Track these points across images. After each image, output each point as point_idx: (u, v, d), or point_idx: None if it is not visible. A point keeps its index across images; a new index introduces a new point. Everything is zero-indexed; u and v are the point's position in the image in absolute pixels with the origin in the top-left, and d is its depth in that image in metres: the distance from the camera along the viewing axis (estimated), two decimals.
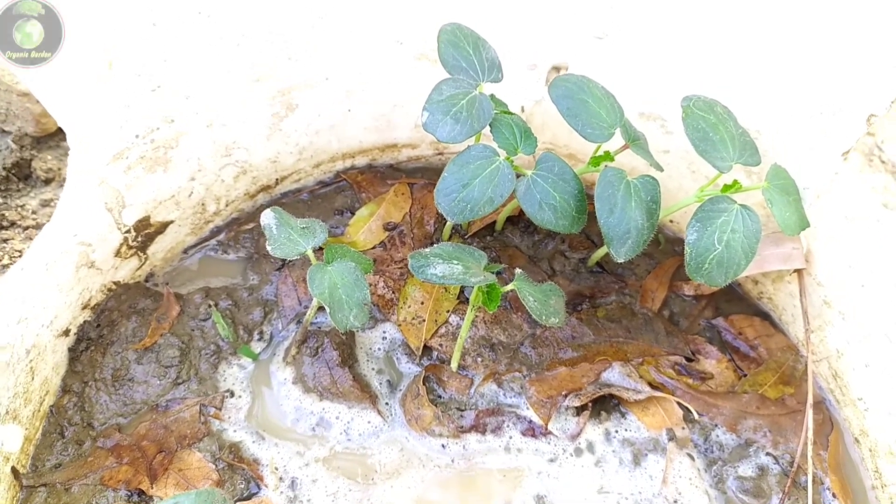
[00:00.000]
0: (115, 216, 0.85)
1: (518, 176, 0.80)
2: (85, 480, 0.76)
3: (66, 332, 0.84)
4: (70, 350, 0.85)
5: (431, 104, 0.79)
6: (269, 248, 0.80)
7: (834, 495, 0.83)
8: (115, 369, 0.84)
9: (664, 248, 1.04)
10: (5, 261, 1.07)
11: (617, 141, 0.84)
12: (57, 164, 1.17)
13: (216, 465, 0.78)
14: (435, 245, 0.80)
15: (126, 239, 0.88)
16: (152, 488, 0.75)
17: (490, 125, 0.81)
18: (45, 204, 1.15)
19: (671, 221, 1.06)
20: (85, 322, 0.86)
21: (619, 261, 0.80)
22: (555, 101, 0.81)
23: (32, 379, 0.78)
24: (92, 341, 0.86)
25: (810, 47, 0.78)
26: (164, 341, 0.86)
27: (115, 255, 0.87)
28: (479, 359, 0.89)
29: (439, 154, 1.10)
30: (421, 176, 1.08)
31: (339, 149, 1.04)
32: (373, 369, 0.89)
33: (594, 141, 0.81)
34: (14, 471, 0.75)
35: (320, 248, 0.82)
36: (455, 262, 0.78)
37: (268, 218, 0.83)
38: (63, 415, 0.81)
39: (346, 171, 1.07)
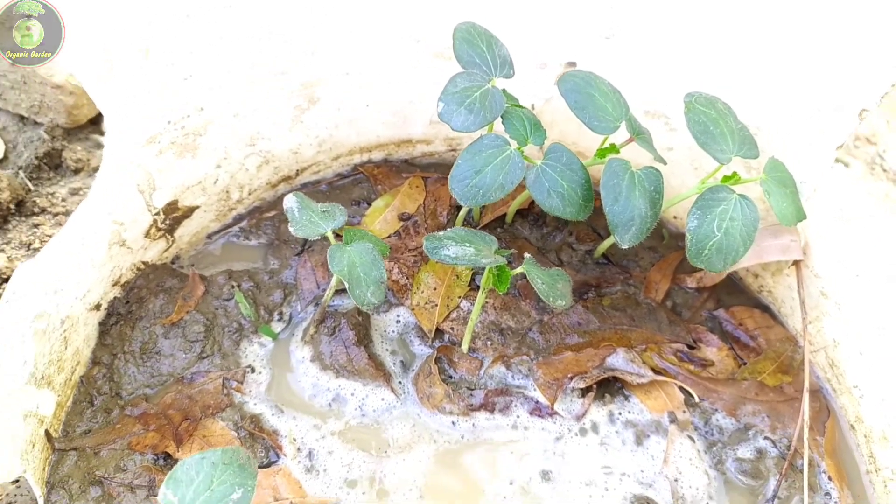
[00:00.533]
0: (147, 198, 0.89)
1: (528, 166, 0.85)
2: (113, 445, 0.80)
3: (98, 307, 0.89)
4: (100, 324, 0.89)
5: (446, 95, 0.83)
6: (291, 229, 0.84)
7: (830, 478, 0.86)
8: (144, 343, 0.88)
9: (668, 242, 1.07)
10: (36, 244, 1.12)
11: (622, 135, 0.88)
12: (86, 155, 1.23)
13: (238, 434, 0.82)
14: (448, 230, 0.85)
15: (155, 221, 0.92)
16: (178, 452, 0.79)
17: (502, 117, 0.86)
18: (74, 192, 1.20)
19: (674, 217, 1.10)
20: (115, 298, 0.91)
21: (623, 247, 0.85)
22: (563, 95, 0.86)
23: (66, 348, 0.82)
24: (121, 316, 0.90)
25: (805, 47, 0.83)
26: (190, 318, 0.90)
27: (145, 236, 0.92)
28: (489, 342, 0.93)
29: (452, 150, 1.14)
30: (434, 171, 1.12)
31: (357, 143, 1.09)
32: (387, 350, 0.93)
33: (600, 133, 0.86)
34: (47, 434, 0.80)
35: (338, 235, 0.87)
36: (467, 244, 0.82)
37: (290, 202, 0.87)
38: (93, 385, 0.86)
39: (363, 164, 1.12)
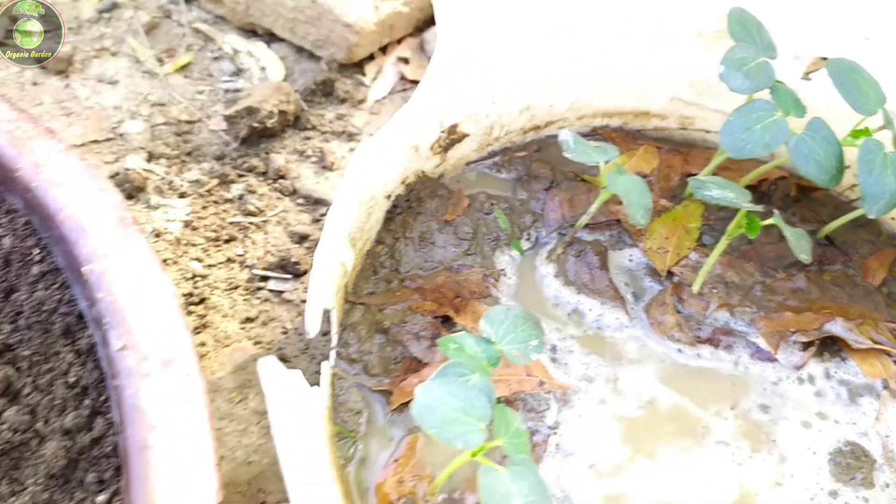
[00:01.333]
0: (441, 114, 1.05)
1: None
2: (395, 307, 0.95)
3: (388, 197, 1.04)
4: (387, 212, 1.05)
5: (727, 61, 0.95)
6: (567, 154, 0.97)
7: None
8: (422, 233, 1.03)
9: (885, 239, 1.14)
10: (308, 152, 1.30)
11: (874, 122, 0.97)
12: (352, 90, 1.41)
13: None
14: (710, 176, 0.96)
15: (440, 137, 1.08)
16: (457, 317, 0.92)
17: (770, 88, 0.96)
18: (340, 118, 1.38)
19: (892, 219, 1.16)
20: (399, 195, 1.06)
21: (870, 216, 0.93)
22: (832, 76, 0.96)
23: (367, 221, 0.98)
24: (404, 209, 1.05)
25: None
26: (460, 220, 1.04)
27: (430, 148, 1.07)
28: (714, 290, 1.03)
29: (683, 129, 1.25)
30: (666, 144, 1.24)
31: (601, 107, 1.22)
32: (621, 281, 1.04)
33: (862, 113, 0.95)
34: (345, 287, 0.95)
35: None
36: (728, 190, 0.93)
37: (566, 135, 1.00)
38: (377, 259, 1.01)
39: (602, 128, 1.25)
